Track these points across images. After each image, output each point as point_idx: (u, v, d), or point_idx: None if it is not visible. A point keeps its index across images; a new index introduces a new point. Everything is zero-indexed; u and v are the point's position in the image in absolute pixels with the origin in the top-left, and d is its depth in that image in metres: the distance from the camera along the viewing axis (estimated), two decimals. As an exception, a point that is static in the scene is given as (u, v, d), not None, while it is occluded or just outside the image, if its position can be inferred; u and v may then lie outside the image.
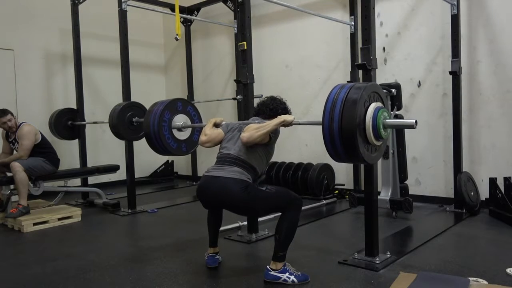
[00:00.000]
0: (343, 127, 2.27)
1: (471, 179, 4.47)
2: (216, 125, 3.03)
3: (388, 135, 2.47)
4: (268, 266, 2.67)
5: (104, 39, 6.62)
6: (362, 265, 2.90)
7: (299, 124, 2.77)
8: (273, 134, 2.76)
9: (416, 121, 2.39)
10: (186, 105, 3.61)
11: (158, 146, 3.45)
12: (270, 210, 2.79)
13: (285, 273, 2.63)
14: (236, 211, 2.77)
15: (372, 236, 2.97)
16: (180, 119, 3.52)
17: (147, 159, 7.26)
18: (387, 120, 2.41)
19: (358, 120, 2.27)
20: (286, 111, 2.96)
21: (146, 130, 3.43)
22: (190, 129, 3.61)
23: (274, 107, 2.92)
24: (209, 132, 2.95)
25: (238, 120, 6.41)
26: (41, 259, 3.31)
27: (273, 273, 2.64)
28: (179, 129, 3.50)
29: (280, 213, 2.70)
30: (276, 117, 2.76)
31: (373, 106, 2.37)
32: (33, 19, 5.97)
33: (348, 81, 5.22)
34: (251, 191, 2.63)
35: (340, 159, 2.45)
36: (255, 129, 2.66)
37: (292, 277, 2.62)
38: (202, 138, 2.95)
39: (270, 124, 2.67)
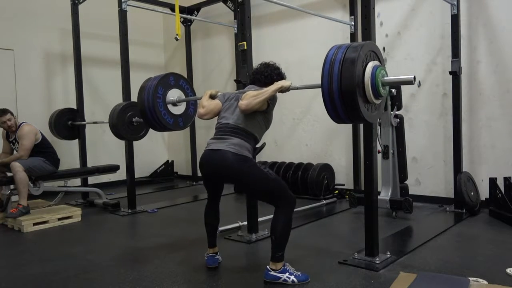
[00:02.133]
0: (343, 88, 2.25)
1: (471, 179, 4.46)
2: (212, 97, 3.00)
3: (387, 93, 2.45)
4: (267, 266, 2.66)
5: (104, 39, 6.62)
6: (362, 265, 2.90)
7: (297, 88, 2.72)
8: (271, 101, 2.74)
9: (414, 77, 2.35)
10: (178, 79, 3.52)
11: (155, 123, 3.38)
12: (265, 194, 2.70)
13: (285, 273, 2.62)
14: (234, 183, 2.70)
15: (372, 236, 2.97)
16: (174, 94, 3.45)
17: (147, 159, 7.28)
18: (385, 78, 2.39)
19: (357, 80, 2.25)
20: (281, 76, 2.91)
21: (141, 107, 3.35)
22: (185, 103, 3.54)
23: (269, 73, 2.88)
24: (206, 103, 2.90)
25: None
26: (41, 259, 3.31)
27: (273, 273, 2.63)
28: (174, 104, 3.43)
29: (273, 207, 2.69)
30: (271, 83, 2.73)
31: (371, 64, 2.34)
32: (33, 19, 5.97)
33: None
34: (250, 165, 2.62)
35: (341, 120, 2.43)
36: (252, 96, 2.63)
37: (292, 277, 2.62)
38: (200, 110, 2.90)
39: (268, 90, 2.64)
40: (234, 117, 2.75)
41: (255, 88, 2.83)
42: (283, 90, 2.68)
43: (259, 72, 2.91)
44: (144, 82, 3.44)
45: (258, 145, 2.85)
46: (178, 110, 3.50)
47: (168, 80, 3.44)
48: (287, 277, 2.61)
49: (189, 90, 3.61)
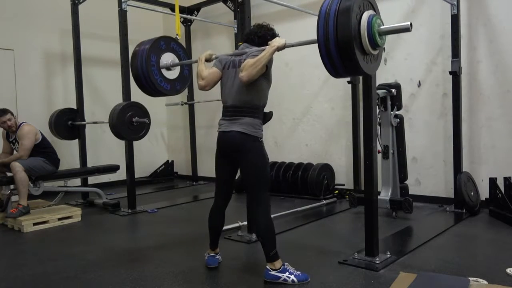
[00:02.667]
0: (339, 40, 2.19)
1: (471, 179, 4.46)
2: (208, 60, 2.96)
3: (384, 43, 2.40)
4: (267, 266, 2.67)
5: (104, 39, 6.61)
6: (362, 265, 2.90)
7: (292, 46, 2.67)
8: (269, 63, 2.71)
9: (410, 23, 2.29)
10: (169, 42, 3.45)
11: (151, 90, 3.34)
12: (254, 180, 2.74)
13: (285, 273, 2.63)
14: (239, 159, 2.75)
15: (372, 236, 2.97)
16: (168, 58, 3.38)
17: (147, 159, 7.29)
18: (381, 27, 2.33)
19: (353, 31, 2.18)
20: (274, 36, 2.84)
21: (135, 74, 3.30)
22: (179, 66, 3.48)
23: (263, 34, 2.84)
24: (206, 74, 2.85)
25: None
26: (41, 259, 3.31)
27: (273, 272, 2.64)
28: (168, 68, 3.37)
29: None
30: (265, 44, 2.71)
31: (366, 14, 2.28)
32: (33, 19, 5.96)
33: (348, 81, 5.24)
34: (258, 148, 2.72)
35: (338, 74, 2.40)
36: (251, 66, 2.60)
37: (292, 277, 2.62)
38: (201, 82, 2.86)
39: (265, 56, 2.60)
40: (238, 93, 2.74)
41: (248, 48, 2.81)
42: (279, 49, 2.64)
43: (253, 32, 2.89)
44: (135, 47, 3.36)
45: (266, 111, 2.86)
46: (173, 74, 3.44)
47: (159, 45, 3.35)
48: (287, 276, 2.62)
49: (181, 51, 3.51)
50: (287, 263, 2.71)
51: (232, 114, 2.75)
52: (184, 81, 3.56)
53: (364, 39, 2.25)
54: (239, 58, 2.79)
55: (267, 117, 2.86)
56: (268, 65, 2.69)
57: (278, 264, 2.65)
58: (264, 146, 2.78)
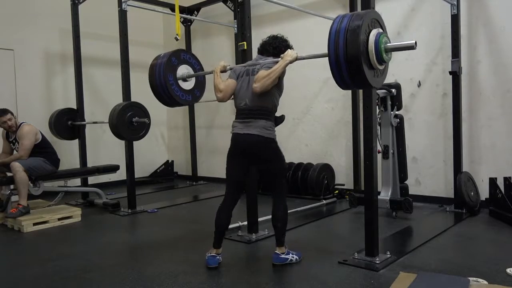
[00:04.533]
0: (348, 56, 2.34)
1: (471, 179, 4.46)
2: (222, 71, 3.09)
3: (389, 59, 2.54)
4: (276, 251, 2.97)
5: (104, 39, 6.61)
6: (362, 265, 2.90)
7: (303, 58, 2.81)
8: (281, 75, 2.86)
9: (415, 42, 2.43)
10: (179, 55, 3.51)
11: (174, 103, 3.50)
12: (277, 174, 3.00)
13: (289, 255, 2.99)
14: (258, 160, 2.95)
15: (372, 236, 2.97)
16: (183, 70, 3.48)
17: (147, 159, 7.28)
18: (388, 44, 2.48)
19: (361, 47, 2.34)
20: (288, 47, 3.00)
21: (156, 91, 3.40)
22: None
23: (277, 45, 2.99)
24: (223, 87, 2.98)
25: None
26: (41, 259, 3.31)
27: (282, 256, 2.96)
28: (185, 80, 3.48)
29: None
30: (279, 55, 2.85)
31: (374, 32, 2.43)
32: (33, 19, 5.96)
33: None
34: (276, 147, 2.96)
35: (346, 86, 2.56)
36: (264, 77, 2.76)
37: (295, 256, 3.02)
38: (219, 95, 2.99)
39: (278, 69, 2.76)
40: (251, 98, 2.88)
41: (263, 59, 2.96)
42: (291, 62, 2.77)
43: (268, 43, 3.03)
44: (154, 60, 3.45)
45: (278, 115, 3.02)
46: (190, 83, 3.55)
47: (172, 63, 3.42)
48: (292, 257, 3.00)
49: (191, 59, 3.59)
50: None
51: (246, 116, 2.90)
52: (202, 86, 3.67)
53: (372, 56, 2.40)
54: (253, 68, 2.95)
55: (279, 120, 3.04)
56: (280, 77, 2.84)
57: (284, 248, 2.99)
58: (278, 145, 3.00)
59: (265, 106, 2.88)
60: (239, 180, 3.02)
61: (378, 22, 2.54)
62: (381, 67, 2.51)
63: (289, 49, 2.89)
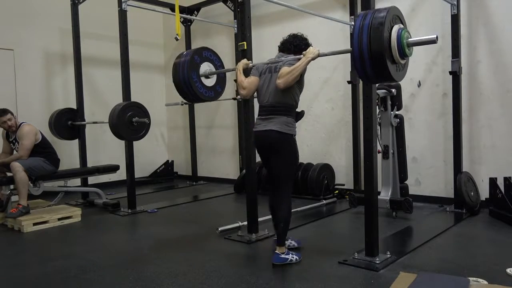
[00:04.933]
0: (372, 51, 2.45)
1: (471, 179, 4.46)
2: (245, 69, 3.20)
3: (411, 53, 2.65)
4: (276, 251, 2.98)
5: (104, 39, 6.61)
6: (362, 265, 2.90)
7: (325, 55, 2.92)
8: (303, 72, 2.93)
9: (437, 36, 2.58)
10: (201, 53, 3.63)
11: (197, 100, 3.62)
12: (285, 171, 3.03)
13: (288, 255, 3.00)
14: (273, 154, 3.00)
15: (372, 236, 2.97)
16: (205, 67, 3.60)
17: (147, 159, 7.29)
18: (409, 39, 2.60)
19: (385, 43, 2.46)
20: (308, 46, 3.07)
21: (179, 88, 3.52)
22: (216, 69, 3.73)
23: (297, 43, 3.08)
24: (246, 84, 3.10)
25: (238, 117, 6.44)
26: (41, 259, 3.31)
27: (282, 256, 2.97)
28: (207, 77, 3.59)
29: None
30: (300, 52, 2.97)
31: (396, 28, 2.55)
32: (33, 19, 5.97)
33: (348, 81, 5.23)
34: (292, 143, 2.99)
35: (369, 80, 2.70)
36: (288, 74, 2.83)
37: (295, 256, 3.02)
38: (243, 92, 3.12)
39: (301, 65, 2.84)
40: (273, 94, 2.97)
41: (284, 57, 3.05)
42: (313, 59, 2.85)
43: (288, 41, 3.12)
44: (176, 59, 3.58)
45: (298, 110, 3.09)
46: (212, 80, 3.67)
47: (195, 61, 3.54)
48: (292, 257, 3.00)
49: (213, 56, 3.71)
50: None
51: (268, 113, 2.99)
52: (223, 82, 3.80)
53: (394, 50, 2.52)
54: (275, 65, 3.03)
55: (299, 115, 3.10)
56: (302, 73, 2.92)
57: (284, 248, 3.01)
58: (296, 142, 3.04)
59: (287, 102, 2.96)
60: (269, 170, 3.16)
61: (399, 18, 2.66)
62: (402, 61, 2.63)
63: (310, 47, 2.97)
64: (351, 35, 2.53)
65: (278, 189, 3.06)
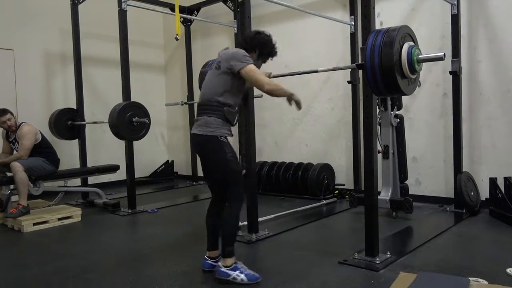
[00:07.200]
0: (384, 68, 2.61)
1: (471, 179, 4.46)
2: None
3: (421, 68, 2.82)
4: (218, 263, 2.69)
5: (104, 39, 6.61)
6: (362, 265, 2.90)
7: (328, 70, 3.12)
8: (247, 81, 2.77)
9: (444, 54, 2.74)
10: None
11: None
12: (221, 182, 2.75)
13: (235, 271, 2.61)
14: (208, 166, 2.79)
15: (372, 236, 2.97)
16: None
17: (147, 159, 7.29)
18: (419, 56, 2.76)
19: (395, 60, 2.62)
20: (266, 48, 2.89)
21: None
22: None
23: (250, 41, 2.88)
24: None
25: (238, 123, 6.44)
26: (41, 259, 3.31)
27: (223, 269, 2.62)
28: None
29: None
30: (251, 50, 2.83)
31: (406, 45, 2.71)
32: (33, 19, 5.97)
33: (348, 81, 5.23)
34: (214, 147, 2.65)
35: (381, 93, 2.85)
36: (274, 88, 2.79)
37: (242, 275, 2.60)
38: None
39: (281, 91, 2.84)
40: (205, 92, 2.75)
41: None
42: (289, 100, 2.87)
43: (248, 36, 2.95)
44: (202, 68, 3.76)
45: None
46: None
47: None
48: (237, 275, 2.60)
49: None
50: (240, 262, 2.69)
51: (196, 114, 2.78)
52: None
53: (405, 66, 2.69)
54: (217, 60, 2.81)
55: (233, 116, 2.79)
56: (250, 80, 2.71)
57: (230, 261, 2.64)
58: (224, 143, 2.68)
59: (217, 100, 2.67)
60: (208, 182, 2.91)
61: (409, 35, 2.83)
62: (413, 76, 2.78)
63: (294, 100, 2.93)
64: (362, 49, 2.63)
65: (222, 198, 2.77)
